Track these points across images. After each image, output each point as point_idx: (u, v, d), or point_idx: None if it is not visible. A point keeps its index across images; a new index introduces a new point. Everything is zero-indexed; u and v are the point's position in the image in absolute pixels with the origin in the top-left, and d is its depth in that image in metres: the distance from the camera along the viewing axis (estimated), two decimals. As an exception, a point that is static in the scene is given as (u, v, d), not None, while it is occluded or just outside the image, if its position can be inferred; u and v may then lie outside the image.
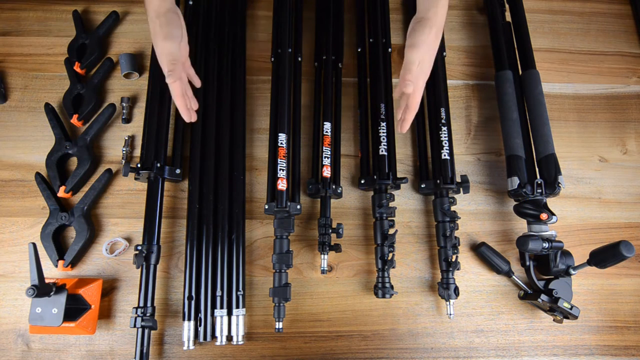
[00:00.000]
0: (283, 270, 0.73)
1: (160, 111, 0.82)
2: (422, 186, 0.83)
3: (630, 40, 1.02)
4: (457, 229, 0.78)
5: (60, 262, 0.74)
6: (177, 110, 0.84)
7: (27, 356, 0.72)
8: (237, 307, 0.73)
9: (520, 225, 0.84)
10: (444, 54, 0.93)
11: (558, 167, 0.77)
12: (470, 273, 0.81)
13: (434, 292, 0.79)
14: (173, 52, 0.67)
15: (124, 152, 0.83)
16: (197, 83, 0.78)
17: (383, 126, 0.82)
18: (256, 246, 0.80)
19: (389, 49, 0.92)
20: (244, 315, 0.73)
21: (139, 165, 0.76)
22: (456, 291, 0.75)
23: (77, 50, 0.89)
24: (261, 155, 0.86)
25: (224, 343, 0.71)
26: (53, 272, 0.76)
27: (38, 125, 0.85)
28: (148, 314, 0.69)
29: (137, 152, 0.84)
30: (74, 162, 0.82)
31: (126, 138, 0.84)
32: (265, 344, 0.75)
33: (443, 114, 0.83)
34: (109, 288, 0.76)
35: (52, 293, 0.67)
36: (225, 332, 0.72)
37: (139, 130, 0.83)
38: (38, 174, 0.80)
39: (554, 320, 0.76)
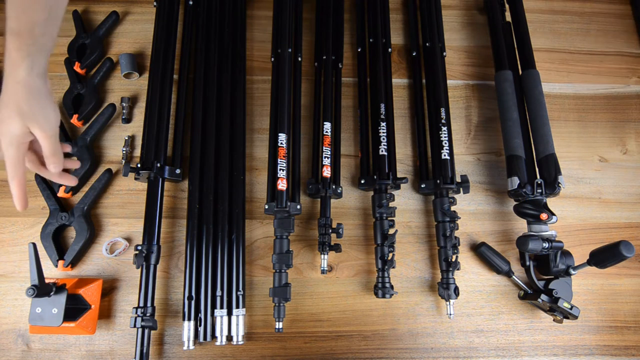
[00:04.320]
0: (283, 270, 0.73)
1: (160, 111, 0.82)
2: (422, 186, 0.83)
3: (630, 40, 1.02)
4: (457, 229, 0.78)
5: (60, 262, 0.74)
6: (177, 110, 0.85)
7: (27, 356, 0.72)
8: (237, 307, 0.73)
9: (520, 225, 0.84)
10: (444, 54, 0.93)
11: (558, 167, 0.77)
12: (470, 273, 0.81)
13: (434, 292, 0.79)
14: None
15: (124, 152, 0.83)
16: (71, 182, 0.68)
17: (383, 126, 0.82)
18: (256, 246, 0.80)
19: (389, 49, 0.92)
20: (244, 315, 0.73)
21: (139, 165, 0.76)
22: (456, 291, 0.75)
23: (77, 50, 0.89)
24: (261, 155, 0.86)
25: (224, 343, 0.71)
26: (53, 272, 0.76)
27: (38, 125, 0.85)
28: (148, 314, 0.69)
29: (137, 152, 0.84)
30: (74, 162, 0.82)
31: (126, 138, 0.84)
32: (265, 344, 0.75)
33: (443, 114, 0.83)
34: (109, 288, 0.76)
35: (52, 293, 0.67)
36: (225, 332, 0.72)
37: (139, 130, 0.83)
38: (38, 174, 0.80)
39: (554, 320, 0.76)
